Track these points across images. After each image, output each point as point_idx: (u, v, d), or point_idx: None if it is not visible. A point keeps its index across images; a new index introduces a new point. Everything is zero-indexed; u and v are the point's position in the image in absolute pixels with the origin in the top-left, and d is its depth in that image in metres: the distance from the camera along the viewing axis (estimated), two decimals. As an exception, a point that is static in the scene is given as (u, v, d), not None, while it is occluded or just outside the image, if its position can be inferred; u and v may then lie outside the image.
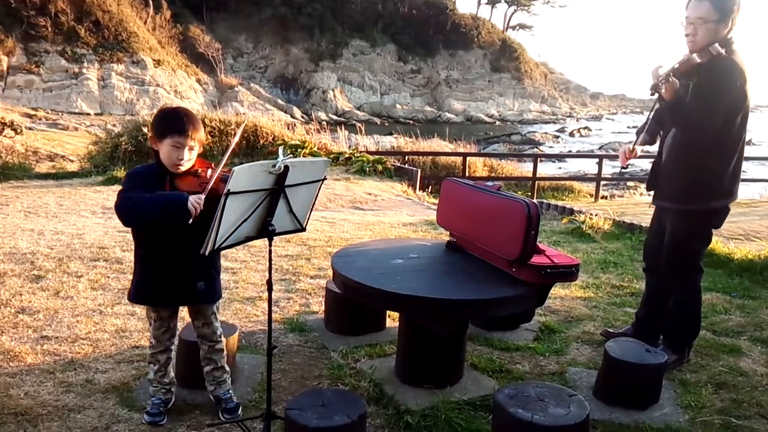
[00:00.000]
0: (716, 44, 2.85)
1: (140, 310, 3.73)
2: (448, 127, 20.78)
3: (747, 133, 3.06)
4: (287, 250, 5.23)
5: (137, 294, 2.48)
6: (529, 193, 12.79)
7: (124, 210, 2.28)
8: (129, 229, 2.50)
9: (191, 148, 2.36)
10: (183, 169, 2.36)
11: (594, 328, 3.74)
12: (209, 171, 2.35)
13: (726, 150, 2.97)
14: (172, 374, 2.61)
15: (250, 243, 2.41)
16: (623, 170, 3.38)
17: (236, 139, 2.60)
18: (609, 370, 2.82)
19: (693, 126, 2.91)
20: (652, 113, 3.23)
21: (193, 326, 2.60)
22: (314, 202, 2.37)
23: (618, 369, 2.77)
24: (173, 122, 2.34)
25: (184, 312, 2.68)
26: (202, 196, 2.21)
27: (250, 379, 2.90)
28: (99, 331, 3.40)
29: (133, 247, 2.49)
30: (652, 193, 3.31)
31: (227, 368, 2.64)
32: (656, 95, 3.01)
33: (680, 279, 3.18)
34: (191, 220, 2.18)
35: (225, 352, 2.64)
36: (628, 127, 46.71)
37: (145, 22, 37.57)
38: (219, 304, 2.61)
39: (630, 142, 3.30)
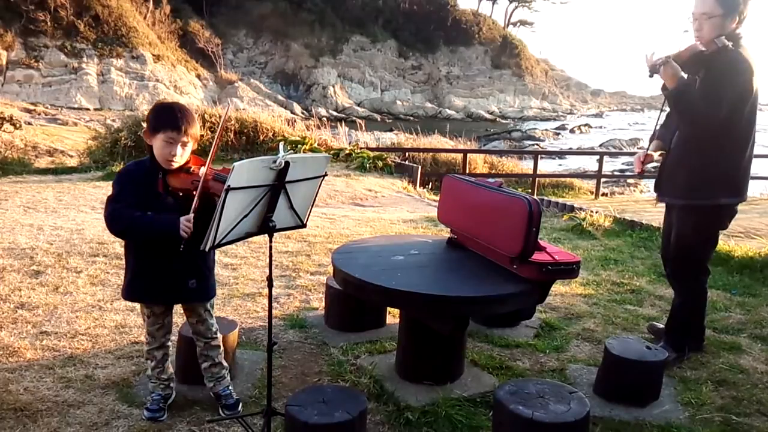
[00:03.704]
0: (722, 37, 2.85)
1: (139, 306, 3.73)
2: (449, 124, 20.71)
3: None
4: (287, 247, 5.23)
5: (129, 291, 2.47)
6: (530, 190, 12.78)
7: (116, 228, 2.33)
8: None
9: (184, 144, 2.33)
10: (176, 165, 2.34)
11: (594, 325, 3.74)
12: (202, 168, 2.31)
13: (732, 144, 2.95)
14: (171, 370, 2.61)
15: (250, 239, 2.40)
16: (640, 175, 3.34)
17: (219, 130, 2.54)
18: (609, 367, 2.82)
19: (697, 116, 2.88)
20: (661, 120, 3.20)
21: (188, 323, 2.59)
22: (315, 199, 2.37)
23: (618, 366, 2.77)
24: (167, 117, 2.31)
25: (180, 308, 2.67)
26: (191, 216, 2.21)
27: (250, 376, 2.90)
28: (98, 327, 3.40)
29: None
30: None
31: (225, 364, 2.63)
32: (664, 99, 3.01)
33: (685, 279, 3.17)
34: (182, 245, 2.21)
35: (222, 349, 2.63)
36: (629, 124, 46.71)
37: (144, 17, 37.45)
38: (213, 302, 2.60)
39: (643, 149, 3.26)
